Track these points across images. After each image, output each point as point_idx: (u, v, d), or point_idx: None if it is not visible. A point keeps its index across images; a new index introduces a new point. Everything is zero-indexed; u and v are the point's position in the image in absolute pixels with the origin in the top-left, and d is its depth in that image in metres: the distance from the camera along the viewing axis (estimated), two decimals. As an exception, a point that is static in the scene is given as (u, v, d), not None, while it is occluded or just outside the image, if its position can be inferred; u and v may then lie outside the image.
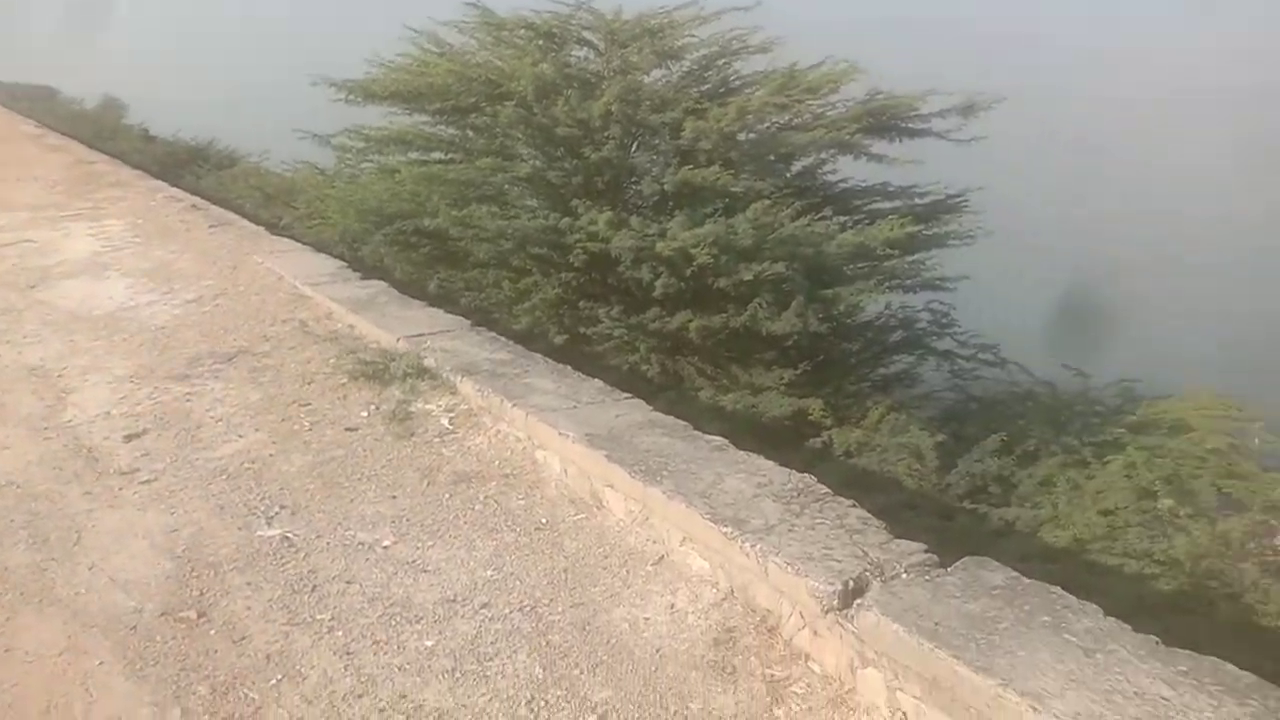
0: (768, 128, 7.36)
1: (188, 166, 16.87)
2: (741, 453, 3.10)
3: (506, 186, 7.73)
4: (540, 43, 8.67)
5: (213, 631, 2.50)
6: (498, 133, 8.30)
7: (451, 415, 3.82)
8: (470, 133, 8.70)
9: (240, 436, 3.75)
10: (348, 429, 3.79)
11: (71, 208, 9.66)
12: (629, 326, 6.51)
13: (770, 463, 3.02)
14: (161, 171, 15.59)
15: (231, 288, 6.00)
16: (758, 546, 2.44)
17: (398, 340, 4.46)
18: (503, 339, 4.55)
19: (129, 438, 3.76)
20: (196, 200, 9.48)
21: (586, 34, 8.52)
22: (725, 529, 2.53)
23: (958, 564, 2.38)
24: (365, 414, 3.92)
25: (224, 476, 3.40)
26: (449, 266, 7.84)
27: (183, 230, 7.98)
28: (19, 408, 4.09)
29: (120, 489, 3.32)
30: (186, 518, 3.11)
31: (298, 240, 7.55)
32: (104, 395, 4.23)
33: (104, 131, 25.53)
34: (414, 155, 9.23)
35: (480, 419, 3.76)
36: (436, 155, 8.97)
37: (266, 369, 4.49)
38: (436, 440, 3.66)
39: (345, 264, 6.39)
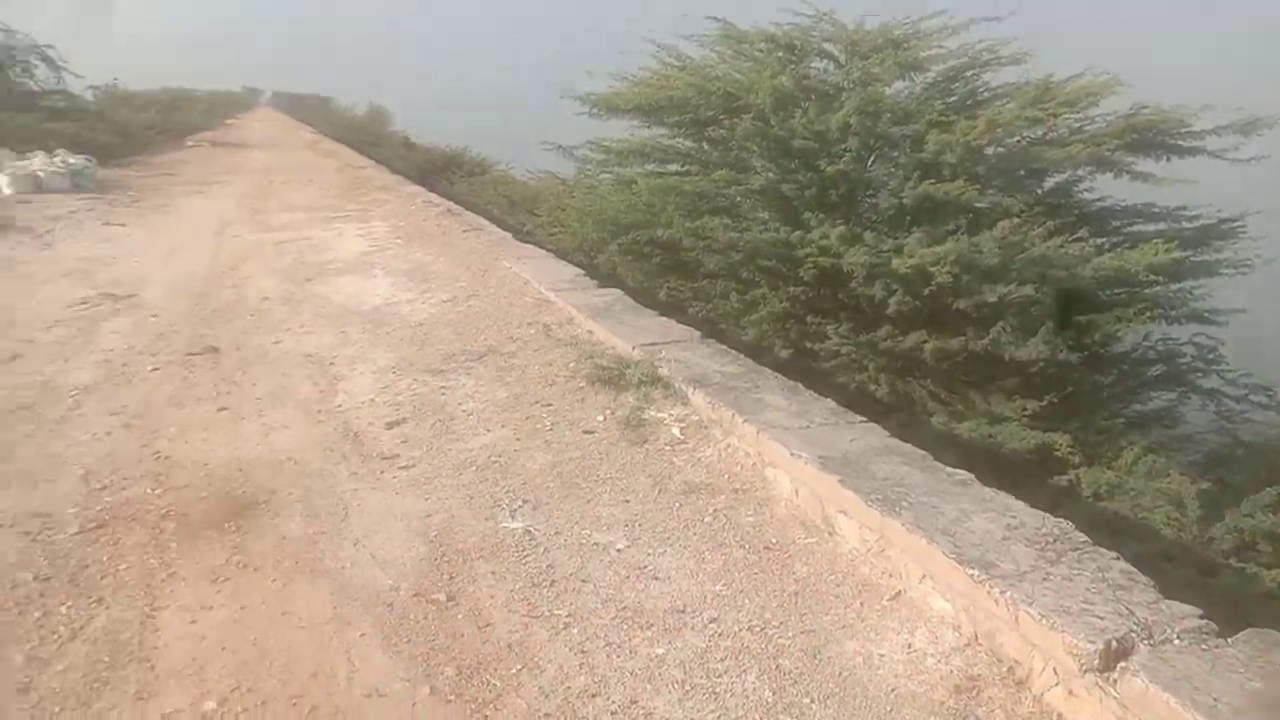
0: (1018, 142, 6.98)
1: (443, 173, 18.21)
2: (988, 489, 2.94)
3: (739, 199, 7.77)
4: (780, 55, 8.69)
5: (460, 616, 2.65)
6: (733, 145, 8.39)
7: (682, 425, 3.87)
8: (706, 145, 8.86)
9: (488, 431, 3.97)
10: (585, 431, 3.92)
11: (343, 209, 10.64)
12: (858, 344, 6.34)
13: (1021, 503, 2.84)
14: (420, 177, 16.96)
15: (482, 290, 6.38)
16: (1008, 594, 2.30)
17: (633, 348, 4.57)
18: (733, 352, 4.56)
19: (390, 425, 4.07)
20: (451, 205, 10.17)
21: (827, 46, 8.43)
22: (972, 571, 2.40)
23: (1241, 635, 2.14)
24: (601, 418, 4.05)
25: (473, 468, 3.61)
26: (678, 276, 7.97)
27: (439, 234, 8.56)
28: (297, 391, 4.53)
29: (382, 472, 3.59)
30: (440, 504, 3.32)
31: (541, 247, 7.87)
32: (369, 384, 4.61)
33: (370, 138, 28.00)
34: (650, 167, 9.50)
35: (710, 431, 3.78)
36: (673, 167, 9.21)
37: (513, 369, 4.74)
38: (668, 449, 3.72)
39: (583, 272, 6.63)
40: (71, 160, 13.17)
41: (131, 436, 3.95)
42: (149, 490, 3.43)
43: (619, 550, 3.00)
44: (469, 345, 5.18)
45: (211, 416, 4.19)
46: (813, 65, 8.51)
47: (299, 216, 10.19)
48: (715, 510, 3.24)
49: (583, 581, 2.82)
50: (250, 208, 11.06)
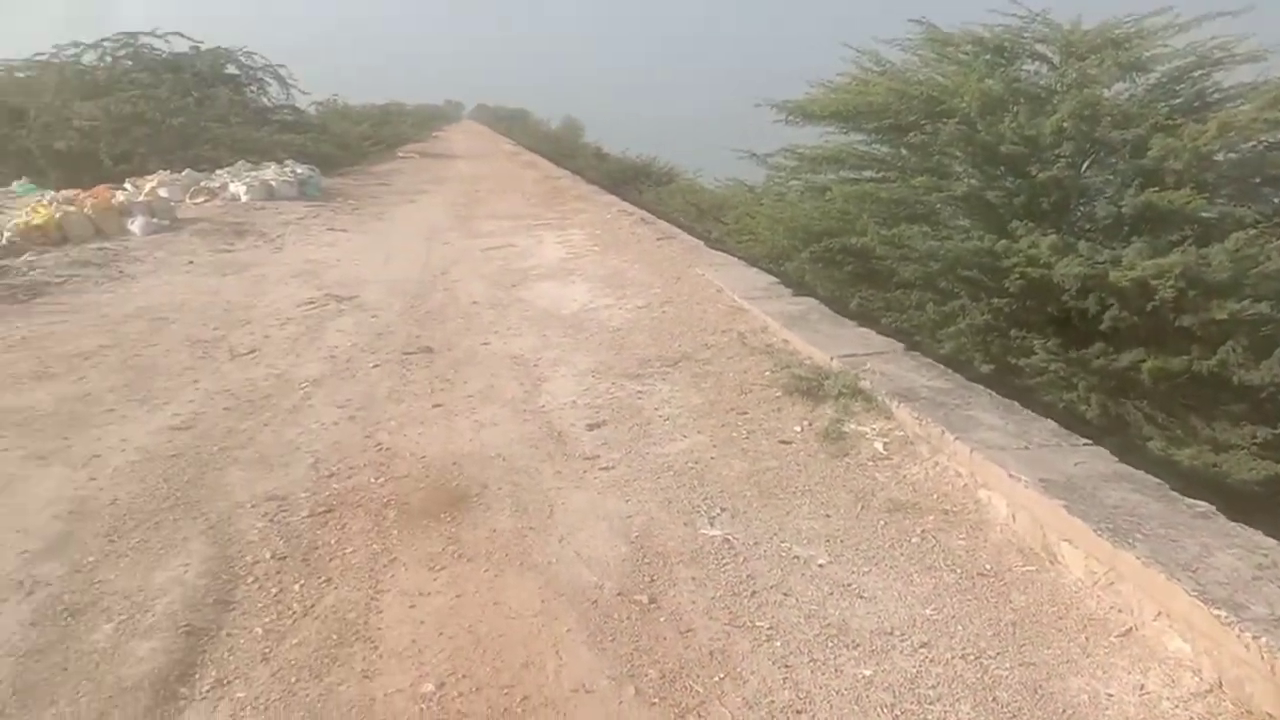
0: (1254, 147, 6.41)
1: (632, 182, 18.65)
2: (1233, 524, 2.69)
3: (939, 206, 7.54)
4: (988, 58, 8.36)
5: (662, 619, 2.67)
6: (934, 151, 8.12)
7: (886, 440, 3.75)
8: (904, 151, 8.63)
9: (685, 437, 4.00)
10: (782, 441, 3.88)
11: (543, 218, 11.03)
12: (1068, 361, 5.99)
13: (1272, 541, 2.58)
14: (611, 186, 17.42)
15: (676, 296, 6.44)
16: (1262, 639, 2.08)
17: (831, 359, 4.48)
18: (939, 365, 4.40)
19: (591, 426, 4.17)
20: (645, 214, 10.33)
21: (1039, 47, 8.05)
22: (1218, 612, 2.19)
23: None
24: (799, 429, 3.99)
25: (671, 472, 3.64)
26: (871, 286, 7.78)
27: (633, 242, 8.72)
28: (505, 390, 4.72)
29: (584, 472, 3.68)
30: (639, 507, 3.36)
31: (732, 255, 7.87)
32: (570, 386, 4.74)
33: (565, 149, 28.99)
34: (844, 174, 9.33)
35: (916, 448, 3.65)
36: (867, 174, 9.01)
37: (708, 375, 4.76)
38: (870, 464, 3.62)
39: (777, 280, 6.57)
40: (299, 170, 14.35)
41: (355, 428, 4.23)
42: (372, 479, 3.66)
43: (820, 565, 2.93)
44: (664, 351, 5.24)
45: (427, 412, 4.43)
46: (1023, 68, 8.16)
47: (503, 224, 10.65)
48: (923, 531, 3.12)
49: (784, 595, 2.78)
50: (458, 215, 11.67)
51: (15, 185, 11.15)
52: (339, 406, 4.52)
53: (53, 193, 10.24)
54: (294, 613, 2.74)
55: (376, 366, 5.18)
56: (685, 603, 2.75)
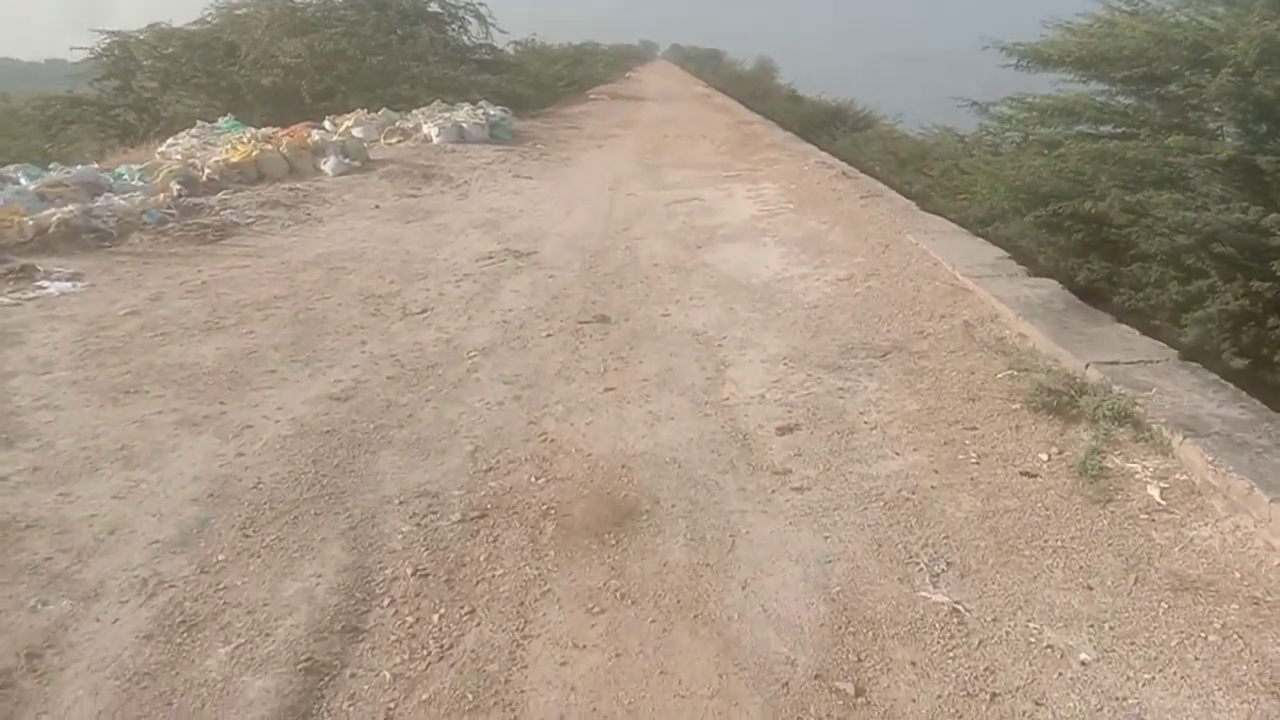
0: None
1: (826, 127, 17.60)
2: None
3: (1192, 171, 6.44)
4: None
5: (872, 720, 2.09)
6: (1191, 106, 7.00)
7: (1164, 485, 2.95)
8: (1154, 105, 7.48)
9: (897, 454, 3.33)
10: (1024, 473, 3.15)
11: (733, 168, 10.35)
12: None
13: None
14: (804, 131, 16.44)
15: (884, 268, 5.69)
16: None
17: (1086, 366, 3.66)
18: (1230, 386, 3.49)
19: (782, 430, 3.56)
20: (846, 168, 9.48)
21: None
22: None
23: None
24: (1045, 457, 3.24)
25: (880, 503, 3.00)
26: (1102, 257, 6.80)
27: (833, 199, 7.94)
28: (685, 375, 4.18)
29: (773, 492, 3.10)
30: (842, 548, 2.75)
31: (946, 220, 6.97)
32: (758, 375, 4.14)
33: (757, 91, 27.95)
34: (1080, 128, 8.24)
35: (1207, 501, 2.83)
36: (1105, 129, 7.93)
37: (924, 373, 4.03)
38: (1143, 517, 2.84)
39: (1006, 254, 5.69)
40: (491, 112, 14.22)
41: (520, 410, 3.81)
42: (532, 478, 3.21)
43: (1083, 663, 2.24)
44: (870, 337, 4.53)
45: (598, 396, 3.95)
46: None
47: (690, 174, 10.05)
48: (1224, 626, 2.36)
49: (1036, 703, 2.12)
50: (644, 163, 11.16)
51: (221, 121, 11.53)
52: (506, 382, 4.11)
53: (254, 130, 10.46)
54: (429, 654, 2.33)
55: (549, 336, 4.75)
56: (903, 699, 2.15)
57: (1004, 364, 3.97)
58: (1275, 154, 5.96)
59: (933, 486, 3.09)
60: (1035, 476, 3.12)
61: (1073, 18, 8.52)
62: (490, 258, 6.37)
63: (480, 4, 21.55)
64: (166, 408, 3.81)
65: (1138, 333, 4.12)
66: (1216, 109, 6.82)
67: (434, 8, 21.08)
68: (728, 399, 3.90)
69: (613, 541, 2.81)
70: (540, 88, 22.26)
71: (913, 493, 3.06)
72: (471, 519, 2.95)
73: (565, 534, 2.86)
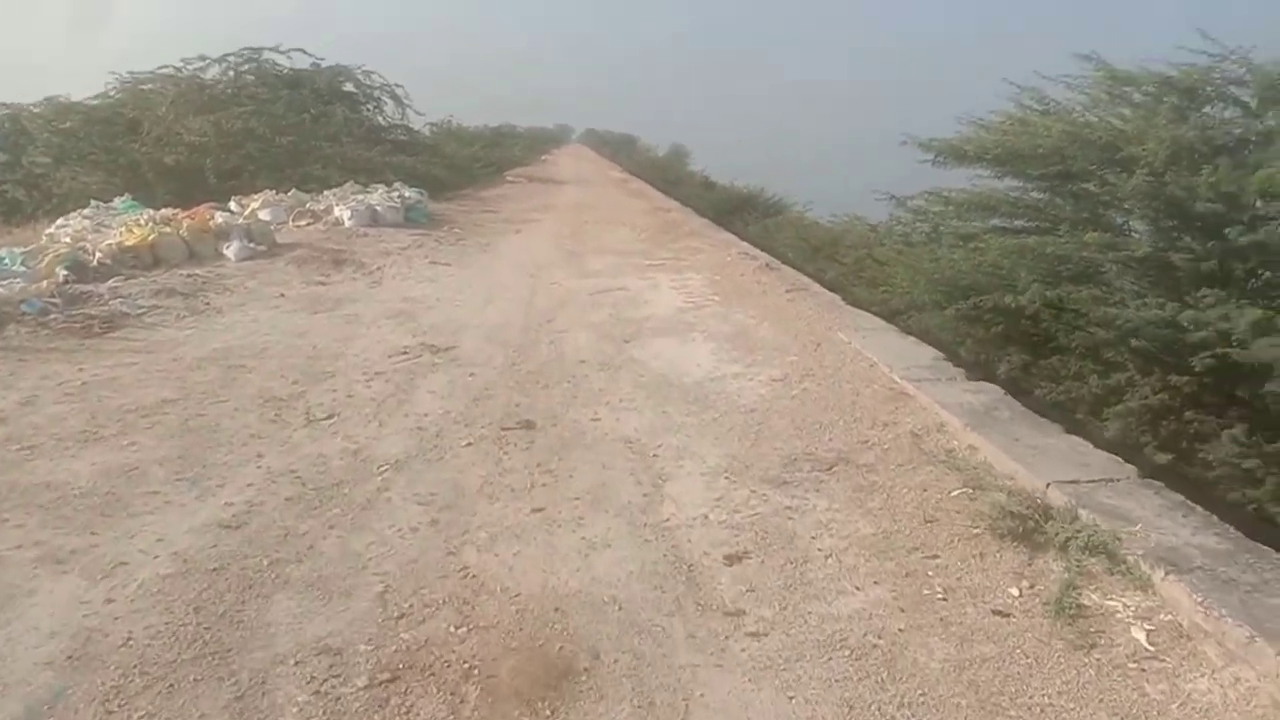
0: None
1: (738, 213, 17.79)
2: None
3: (1107, 266, 6.56)
4: (1174, 100, 7.31)
5: None
6: (1106, 203, 7.20)
7: (1149, 628, 2.71)
8: (1066, 202, 7.68)
9: (857, 589, 3.03)
10: (996, 612, 2.88)
11: (655, 256, 10.20)
12: (1263, 455, 4.98)
13: None
14: (717, 216, 16.56)
15: (818, 368, 5.49)
16: None
17: (1046, 486, 3.45)
18: (1200, 510, 3.30)
19: (730, 559, 3.24)
20: (769, 259, 9.42)
21: (1233, 89, 6.94)
22: None
23: None
24: (1016, 592, 2.98)
25: (845, 651, 2.69)
26: (1022, 349, 6.83)
27: (758, 292, 7.80)
28: (619, 491, 3.84)
29: (726, 638, 2.76)
30: (809, 711, 2.42)
31: (874, 315, 6.87)
32: (699, 491, 3.83)
33: (671, 177, 28.32)
34: (995, 222, 8.39)
35: (1200, 647, 2.60)
36: (1018, 223, 8.10)
37: (875, 490, 3.78)
38: (1132, 666, 2.58)
39: (941, 355, 5.58)
40: (406, 194, 13.90)
41: (438, 538, 3.40)
42: (451, 627, 2.81)
43: None
44: (813, 447, 4.28)
45: (525, 519, 3.57)
46: (1207, 113, 7.11)
47: (612, 262, 9.86)
48: (1246, 808, 2.09)
49: None
50: (565, 250, 10.94)
51: (117, 201, 10.92)
52: (421, 503, 3.70)
53: (152, 211, 9.91)
54: None
55: (469, 445, 4.36)
56: None
57: (957, 480, 3.74)
58: (1187, 251, 6.08)
59: (900, 629, 2.80)
60: (1009, 616, 2.85)
61: (985, 115, 8.74)
62: (405, 353, 5.98)
63: (396, 85, 21.42)
64: (27, 540, 3.29)
65: (1090, 445, 3.95)
66: (1129, 206, 6.98)
67: (349, 87, 20.83)
68: (668, 520, 3.56)
69: (547, 711, 2.42)
70: (457, 169, 22.08)
71: (879, 637, 2.76)
72: (381, 683, 2.53)
73: (491, 701, 2.46)
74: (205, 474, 3.96)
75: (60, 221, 10.09)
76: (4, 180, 13.30)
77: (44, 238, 8.98)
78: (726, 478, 3.96)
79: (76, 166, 13.45)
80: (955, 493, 3.66)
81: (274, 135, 14.96)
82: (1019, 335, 6.86)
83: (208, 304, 7.18)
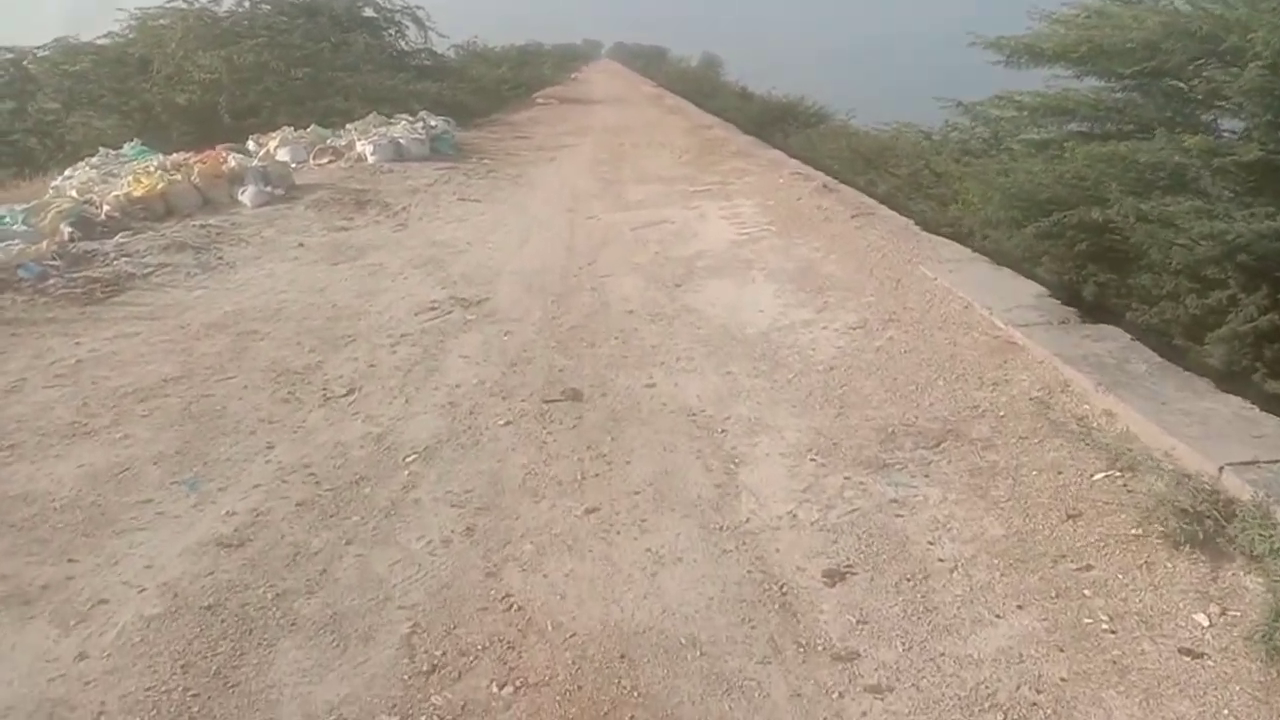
0: None
1: (778, 124, 16.81)
2: None
3: (1205, 174, 5.79)
4: None
5: None
6: (1196, 102, 6.42)
7: (1402, 675, 2.07)
8: (1153, 100, 6.85)
9: (997, 617, 2.42)
10: (1184, 650, 2.25)
11: (700, 181, 9.44)
12: None
13: None
14: (756, 129, 15.62)
15: (902, 312, 4.80)
16: None
17: (1219, 470, 2.78)
18: None
19: (831, 577, 2.64)
20: (826, 179, 8.61)
21: None
22: None
23: None
24: (1204, 619, 2.34)
25: (998, 716, 2.09)
26: (1108, 268, 6.11)
27: (820, 219, 7.05)
28: (686, 481, 3.24)
29: (841, 695, 2.18)
30: (964, 815, 1.83)
31: (949, 238, 6.13)
32: (782, 479, 3.22)
33: (706, 89, 27.12)
34: (1073, 127, 7.55)
35: None
36: (1103, 128, 7.28)
37: (997, 473, 3.13)
38: (1392, 735, 1.96)
39: (1044, 290, 4.85)
40: (432, 123, 13.15)
41: (475, 552, 2.84)
42: (494, 685, 2.26)
43: None
44: (912, 415, 3.63)
45: (576, 523, 2.99)
46: None
47: (654, 190, 9.11)
48: None
49: None
50: (603, 178, 10.18)
51: (126, 147, 10.31)
52: (454, 504, 3.14)
53: (162, 157, 9.30)
54: None
55: (508, 424, 3.78)
56: None
57: (1099, 460, 3.08)
58: None
59: (1062, 679, 2.18)
60: (1202, 657, 2.23)
61: (1057, 8, 7.87)
62: (433, 309, 5.37)
63: (418, 7, 20.40)
64: (-11, 572, 2.79)
65: (1258, 410, 3.24)
66: (1237, 103, 6.18)
67: (369, 12, 19.87)
68: (748, 521, 2.96)
69: (621, 817, 1.86)
70: (484, 93, 21.15)
71: (1038, 691, 2.15)
72: (408, 778, 1.98)
73: (548, 802, 1.90)
74: (206, 473, 3.42)
75: (67, 172, 9.50)
76: (13, 130, 12.73)
77: (50, 191, 8.42)
78: (813, 459, 3.34)
79: (89, 111, 12.86)
80: (1099, 476, 3.00)
81: (289, 68, 14.18)
82: (1104, 252, 6.17)
83: (220, 258, 6.61)
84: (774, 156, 10.96)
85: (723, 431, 3.63)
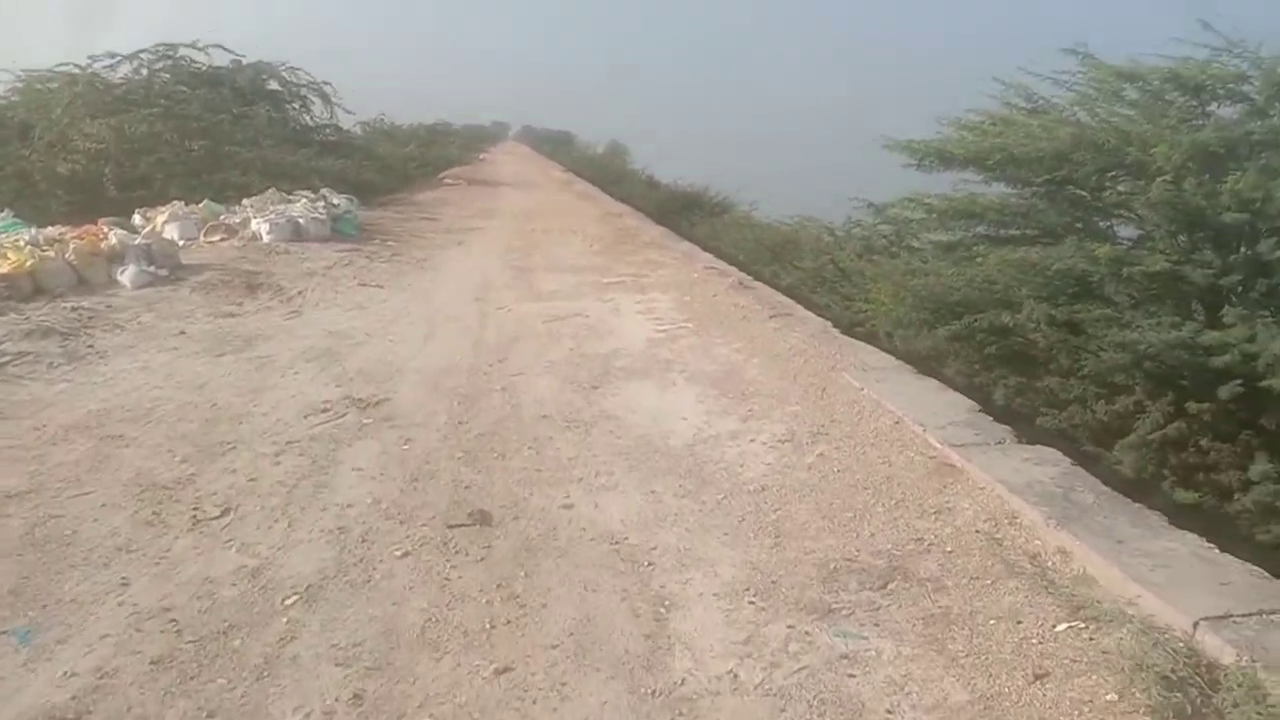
0: None
1: (684, 213, 16.96)
2: None
3: (1110, 282, 5.95)
4: (1179, 98, 6.78)
5: None
6: (1097, 211, 6.58)
7: None
8: (1056, 207, 7.14)
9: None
10: None
11: (614, 272, 9.23)
12: None
13: None
14: (661, 216, 15.65)
15: (830, 425, 4.56)
16: None
17: (1193, 626, 2.56)
18: None
19: (783, 760, 2.28)
20: (742, 277, 8.51)
21: (1236, 86, 6.43)
22: None
23: None
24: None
25: None
26: (1016, 371, 6.17)
27: (738, 318, 6.87)
28: (612, 632, 2.85)
29: None
30: None
31: (879, 349, 6.00)
32: (719, 627, 2.87)
33: (612, 175, 27.35)
34: (981, 230, 7.77)
35: None
36: (1009, 232, 7.54)
37: (952, 622, 2.84)
38: None
39: (976, 406, 4.70)
40: (335, 201, 12.69)
41: (363, 730, 2.39)
42: None
43: None
44: (853, 547, 3.34)
45: (485, 688, 2.58)
46: (1215, 111, 6.63)
47: (567, 280, 8.83)
48: None
49: None
50: (513, 266, 9.86)
51: (-4, 217, 9.55)
52: (339, 662, 2.68)
53: (34, 230, 8.60)
54: None
55: (405, 555, 3.34)
56: None
57: (1059, 608, 2.83)
58: (1204, 266, 5.54)
59: None
60: None
61: (965, 115, 8.09)
62: (326, 410, 4.91)
63: (325, 83, 20.03)
64: None
65: (1216, 549, 3.06)
66: (1141, 215, 6.41)
67: (274, 85, 19.39)
68: (683, 684, 2.59)
69: None
70: (390, 172, 20.77)
71: None
72: None
73: None
74: (45, 619, 2.89)
75: (-76, 245, 8.69)
76: None
77: (-102, 266, 7.63)
78: (751, 601, 3.01)
79: (-43, 175, 11.96)
80: (1062, 628, 2.75)
81: (183, 139, 13.52)
82: (1013, 356, 6.19)
83: (90, 347, 6.00)
84: (686, 249, 10.87)
85: (649, 565, 3.27)
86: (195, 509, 3.69)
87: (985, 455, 3.89)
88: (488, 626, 2.88)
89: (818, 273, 8.98)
